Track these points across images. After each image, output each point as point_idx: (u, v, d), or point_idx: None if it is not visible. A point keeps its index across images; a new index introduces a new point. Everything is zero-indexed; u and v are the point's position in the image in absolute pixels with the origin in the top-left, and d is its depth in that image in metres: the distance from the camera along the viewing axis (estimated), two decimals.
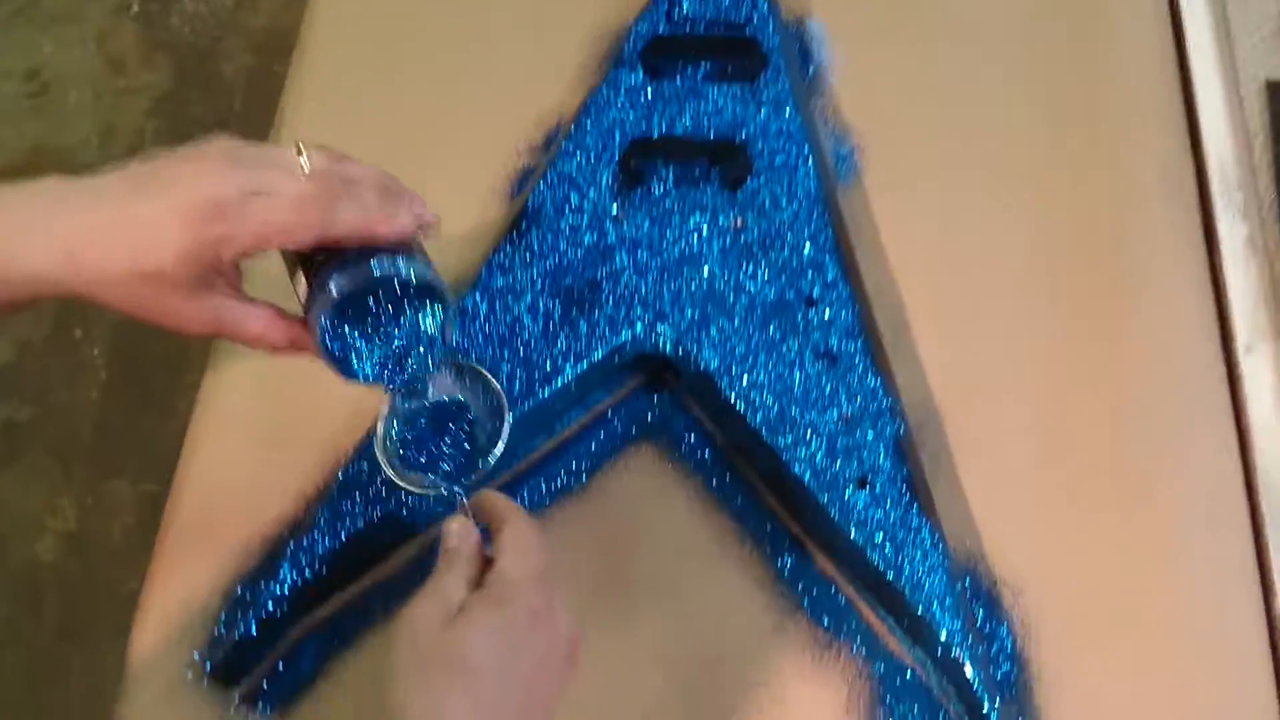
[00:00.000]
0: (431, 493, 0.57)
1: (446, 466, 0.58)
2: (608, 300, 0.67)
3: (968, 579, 0.63)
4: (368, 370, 0.54)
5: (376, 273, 0.51)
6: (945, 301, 0.70)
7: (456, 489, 0.56)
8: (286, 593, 0.61)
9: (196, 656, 0.62)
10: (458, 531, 0.52)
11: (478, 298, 0.67)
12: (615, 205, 0.69)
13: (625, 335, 0.66)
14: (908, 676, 0.61)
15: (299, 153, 0.50)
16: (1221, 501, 0.65)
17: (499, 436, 0.58)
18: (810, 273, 0.67)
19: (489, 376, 0.59)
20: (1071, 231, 0.72)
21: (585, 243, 0.68)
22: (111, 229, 0.48)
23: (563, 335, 0.66)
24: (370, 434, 0.62)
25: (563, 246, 0.68)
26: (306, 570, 0.61)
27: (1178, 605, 0.62)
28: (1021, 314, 0.70)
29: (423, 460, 0.59)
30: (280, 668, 0.62)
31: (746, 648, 0.62)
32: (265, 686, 0.62)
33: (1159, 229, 0.72)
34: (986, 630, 0.61)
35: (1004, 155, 0.75)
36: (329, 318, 0.51)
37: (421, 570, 0.64)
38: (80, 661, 1.39)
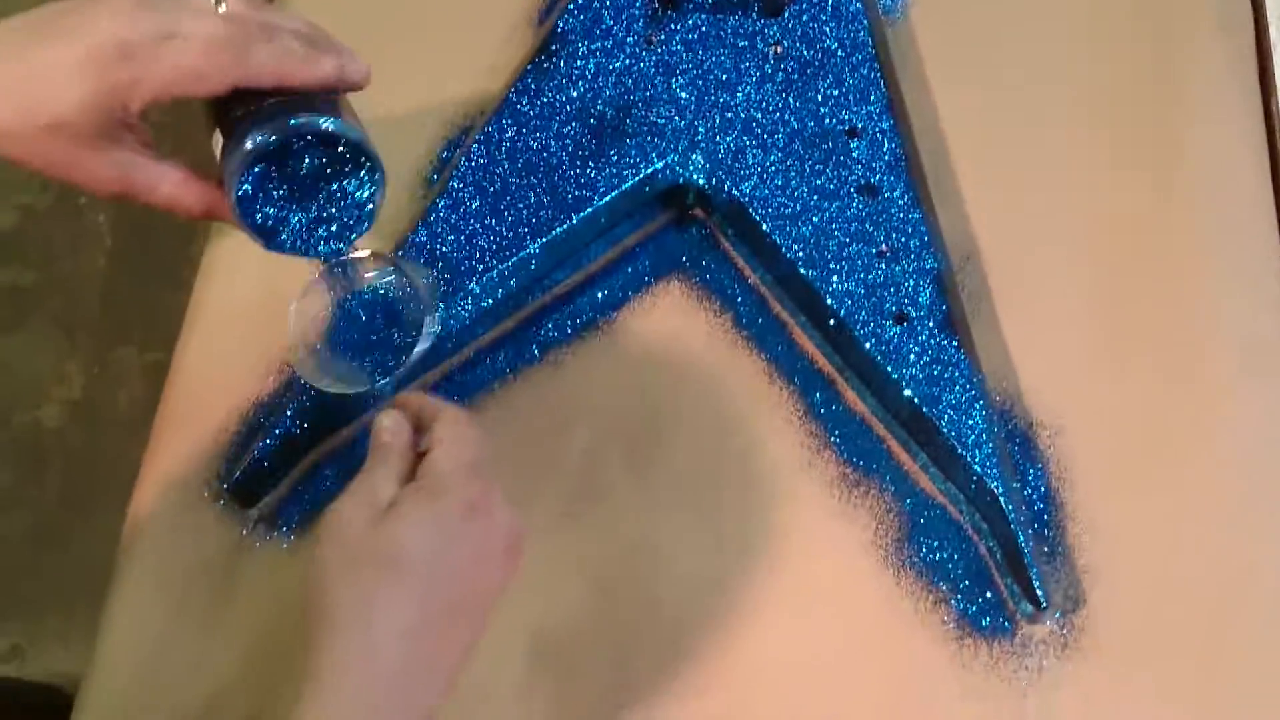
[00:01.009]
0: (355, 391, 0.55)
1: (370, 362, 0.56)
2: (639, 128, 0.64)
3: (1004, 419, 0.61)
4: (284, 238, 0.50)
5: (294, 124, 0.47)
6: (990, 140, 0.68)
7: (385, 382, 0.53)
8: (309, 405, 0.59)
9: (216, 479, 0.61)
10: (389, 426, 0.49)
11: (505, 121, 0.65)
12: (649, 29, 0.66)
13: (657, 164, 0.63)
14: (938, 513, 0.59)
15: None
16: (1262, 353, 0.63)
17: (424, 332, 0.55)
18: (853, 103, 0.64)
19: (415, 271, 0.57)
20: (1123, 72, 0.70)
21: (617, 68, 0.66)
22: (8, 79, 0.45)
23: (592, 163, 0.63)
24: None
25: (593, 71, 0.66)
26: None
27: (1214, 453, 0.60)
28: (1067, 155, 0.68)
29: (345, 355, 0.56)
30: (299, 489, 0.61)
31: (775, 485, 0.61)
32: (284, 507, 0.61)
33: (1213, 73, 0.69)
34: (1021, 470, 0.60)
35: None
36: (244, 176, 0.47)
37: (449, 389, 0.63)
38: (82, 529, 1.39)
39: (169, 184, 0.49)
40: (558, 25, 0.67)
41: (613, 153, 0.64)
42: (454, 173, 0.64)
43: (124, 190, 0.48)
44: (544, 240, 0.62)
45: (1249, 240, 0.66)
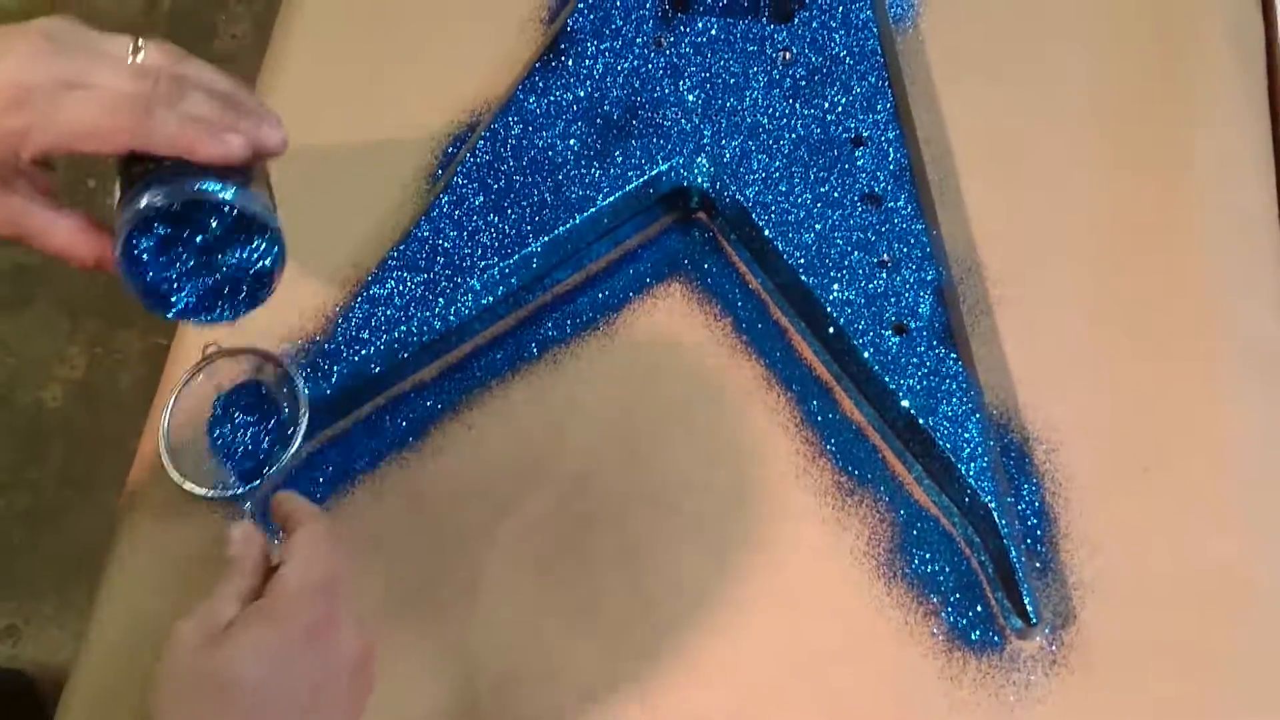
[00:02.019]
0: (220, 496, 0.54)
1: (240, 463, 0.55)
2: (646, 129, 0.64)
3: (1000, 433, 0.61)
4: (177, 303, 0.48)
5: (191, 190, 0.44)
6: (996, 152, 0.68)
7: (245, 492, 0.52)
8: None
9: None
10: (238, 539, 0.48)
11: (511, 119, 0.64)
12: (659, 30, 0.66)
13: (662, 166, 0.63)
14: (931, 525, 0.59)
15: (135, 48, 0.44)
16: (1264, 376, 0.63)
17: (292, 439, 0.53)
18: (860, 112, 0.64)
19: (296, 377, 0.56)
20: (1131, 88, 0.69)
21: (624, 68, 0.66)
22: None
23: (597, 163, 0.63)
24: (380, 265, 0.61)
25: (600, 71, 0.65)
26: (324, 385, 0.60)
27: (1211, 474, 0.60)
28: (1073, 170, 0.67)
29: (218, 453, 0.55)
30: (294, 479, 0.61)
31: (769, 491, 0.61)
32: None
33: (1221, 83, 0.69)
34: (1016, 484, 0.60)
35: (1064, 3, 0.72)
36: (133, 235, 0.45)
37: (447, 386, 0.63)
38: (81, 510, 1.39)
39: (62, 233, 0.47)
40: (567, 24, 0.66)
41: (618, 153, 0.64)
42: (459, 168, 0.64)
43: (15, 236, 0.46)
44: (546, 239, 0.62)
45: (1255, 261, 0.65)
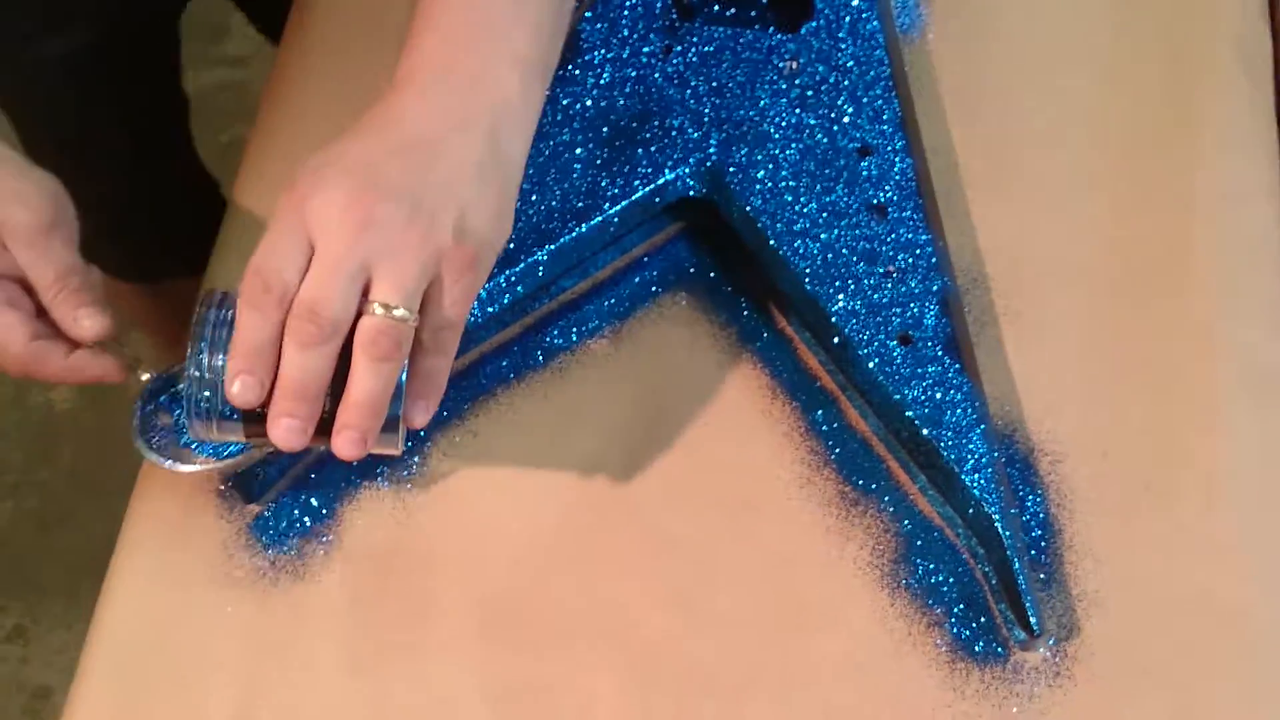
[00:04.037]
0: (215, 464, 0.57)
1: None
2: (652, 138, 0.64)
3: (1005, 444, 0.61)
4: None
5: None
6: (1002, 163, 0.68)
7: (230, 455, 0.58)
8: None
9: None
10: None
11: None
12: (667, 39, 0.67)
13: (669, 175, 0.64)
14: (935, 536, 0.59)
15: None
16: (1270, 388, 0.63)
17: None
18: (866, 121, 0.64)
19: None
20: (1138, 100, 0.69)
21: (632, 76, 0.66)
22: None
23: (604, 172, 0.64)
24: None
25: (608, 79, 0.66)
26: None
27: (1216, 486, 0.60)
28: (1079, 181, 0.67)
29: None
30: (300, 483, 0.61)
31: (773, 500, 0.61)
32: (280, 503, 0.61)
33: (1229, 103, 0.69)
34: (1020, 495, 0.60)
35: (1072, 15, 0.72)
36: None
37: (450, 392, 0.63)
38: (90, 511, 1.40)
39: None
40: (575, 33, 0.67)
41: (624, 162, 0.64)
42: None
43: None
44: (553, 247, 0.62)
45: (1262, 273, 0.65)
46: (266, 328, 0.46)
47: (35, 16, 0.77)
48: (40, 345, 0.52)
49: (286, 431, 0.47)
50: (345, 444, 0.48)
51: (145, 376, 0.57)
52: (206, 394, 0.49)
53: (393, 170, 0.47)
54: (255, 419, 0.49)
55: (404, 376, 0.49)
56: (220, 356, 0.48)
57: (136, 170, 0.93)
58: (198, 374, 0.49)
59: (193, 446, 0.57)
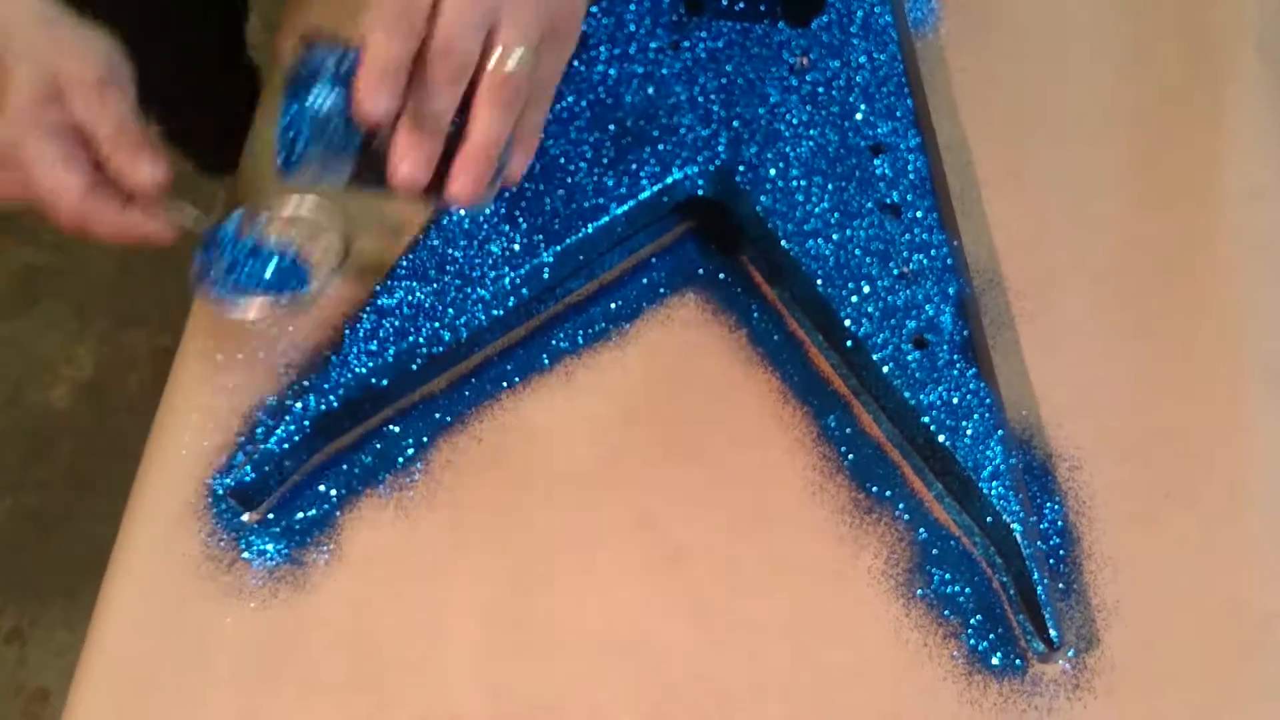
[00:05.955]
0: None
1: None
2: (660, 136, 0.63)
3: (1022, 450, 0.60)
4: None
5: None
6: (1018, 162, 0.66)
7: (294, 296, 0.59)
8: (312, 410, 0.58)
9: (215, 480, 0.60)
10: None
11: None
12: (674, 35, 0.65)
13: (677, 174, 0.62)
14: (952, 544, 0.58)
15: None
16: None
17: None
18: (879, 119, 0.62)
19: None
20: (1157, 97, 0.68)
21: (638, 73, 0.64)
22: None
23: (610, 171, 0.62)
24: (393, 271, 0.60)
25: (614, 76, 0.64)
26: (332, 397, 0.58)
27: (1238, 493, 0.59)
28: (1096, 180, 0.66)
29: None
30: (296, 494, 0.60)
31: (785, 507, 0.59)
32: (280, 511, 0.60)
33: (1250, 100, 0.68)
34: (1038, 503, 0.58)
35: (1089, 10, 0.71)
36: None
37: (456, 397, 0.62)
38: (87, 511, 1.38)
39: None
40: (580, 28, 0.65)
41: (631, 161, 0.62)
42: None
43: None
44: (558, 248, 0.61)
45: None
46: (400, 52, 0.47)
47: None
48: (96, 199, 0.52)
49: (413, 166, 0.49)
50: (463, 186, 0.50)
51: (202, 224, 0.58)
52: (313, 135, 0.50)
53: None
54: (365, 161, 0.50)
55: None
56: (329, 95, 0.49)
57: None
58: (314, 111, 0.49)
59: (247, 292, 0.58)
